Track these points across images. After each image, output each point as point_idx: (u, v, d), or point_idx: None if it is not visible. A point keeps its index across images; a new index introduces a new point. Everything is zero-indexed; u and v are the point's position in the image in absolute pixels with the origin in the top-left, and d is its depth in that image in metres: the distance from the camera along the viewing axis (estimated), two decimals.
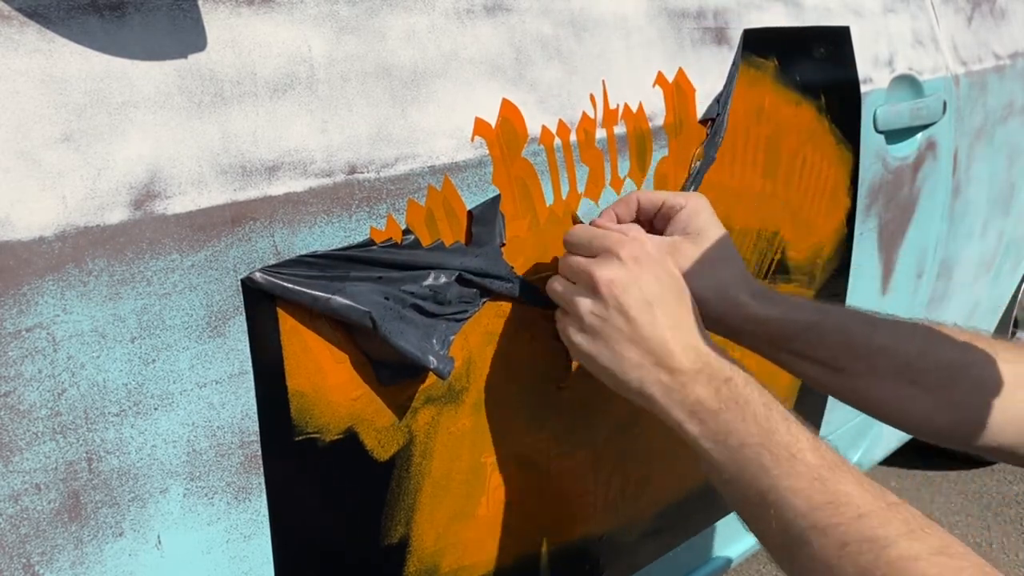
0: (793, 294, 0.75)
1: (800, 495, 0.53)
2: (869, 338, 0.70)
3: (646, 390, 0.62)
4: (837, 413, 1.26)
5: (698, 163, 0.84)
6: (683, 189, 0.83)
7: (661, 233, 0.72)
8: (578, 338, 0.65)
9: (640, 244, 0.65)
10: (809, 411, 1.17)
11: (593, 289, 0.63)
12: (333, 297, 0.57)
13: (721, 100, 0.86)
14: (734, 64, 0.88)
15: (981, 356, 0.67)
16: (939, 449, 2.05)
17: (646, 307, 0.63)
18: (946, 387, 0.67)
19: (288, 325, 0.57)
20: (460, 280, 0.65)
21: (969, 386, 0.66)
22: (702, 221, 0.71)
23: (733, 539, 1.19)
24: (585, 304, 0.64)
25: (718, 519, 1.08)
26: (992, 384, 0.65)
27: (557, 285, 0.67)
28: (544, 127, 0.71)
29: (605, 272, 0.63)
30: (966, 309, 1.54)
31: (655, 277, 0.64)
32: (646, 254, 0.65)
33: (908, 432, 0.71)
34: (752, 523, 0.57)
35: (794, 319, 0.71)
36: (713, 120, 0.85)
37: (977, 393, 0.66)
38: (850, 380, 0.71)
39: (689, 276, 0.68)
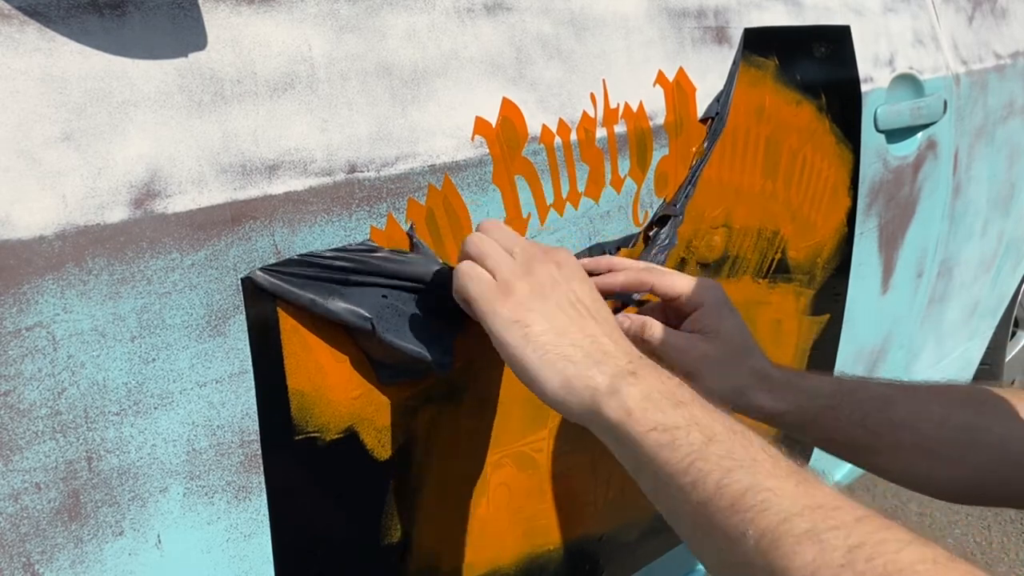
0: (812, 374, 0.73)
1: (787, 496, 0.44)
2: (887, 416, 0.69)
3: (576, 369, 0.54)
4: None
5: (696, 160, 0.84)
6: (680, 189, 0.83)
7: (676, 315, 0.72)
8: (506, 297, 0.58)
9: (573, 257, 0.63)
10: None
11: (533, 261, 0.60)
12: (331, 300, 0.57)
13: (721, 99, 0.86)
14: (734, 63, 0.88)
15: (1000, 414, 0.67)
16: None
17: (593, 301, 0.60)
18: (966, 453, 0.67)
19: (288, 324, 0.56)
20: None
21: (989, 449, 0.66)
22: (720, 320, 0.70)
23: None
24: (527, 272, 0.59)
25: None
26: (1012, 444, 0.66)
27: (487, 243, 0.61)
28: (544, 126, 0.71)
29: (558, 254, 0.62)
30: (966, 309, 1.54)
31: (593, 288, 0.62)
32: (579, 266, 0.63)
33: (932, 496, 0.71)
34: (709, 541, 0.46)
35: (807, 408, 0.70)
36: (713, 119, 0.85)
37: (997, 455, 0.66)
38: (870, 457, 0.71)
39: (704, 375, 0.68)
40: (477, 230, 0.63)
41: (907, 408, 0.69)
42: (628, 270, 0.71)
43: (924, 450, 0.68)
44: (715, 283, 0.72)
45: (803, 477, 0.46)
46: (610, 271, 0.71)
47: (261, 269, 0.54)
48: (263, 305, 0.55)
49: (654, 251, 0.81)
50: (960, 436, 0.67)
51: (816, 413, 0.70)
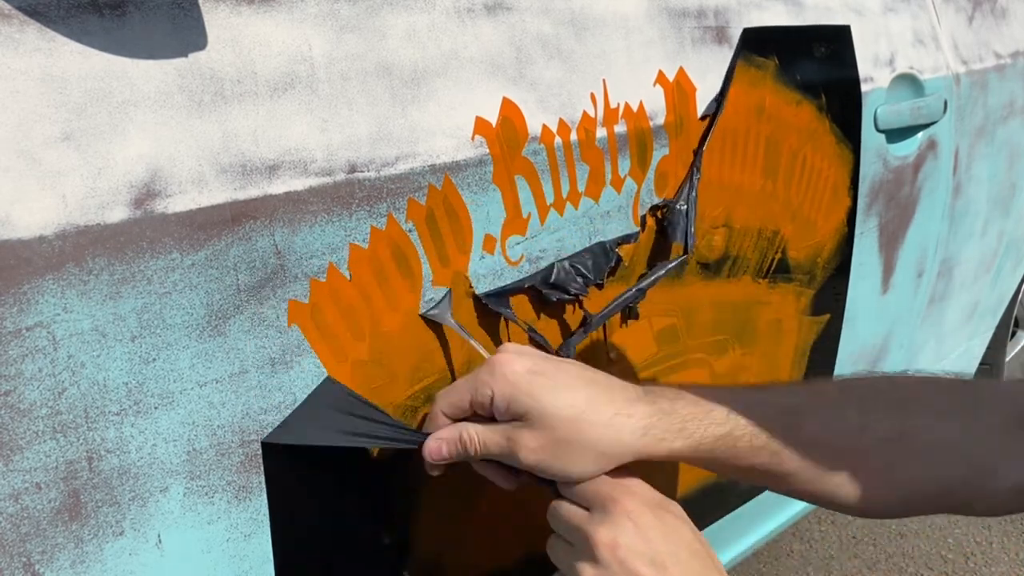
0: (705, 396, 0.61)
1: None
2: (795, 434, 0.60)
3: None
4: None
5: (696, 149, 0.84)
6: (679, 191, 0.83)
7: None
8: None
9: (636, 495, 0.56)
10: None
11: (591, 554, 0.55)
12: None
13: (718, 98, 0.86)
14: (732, 61, 0.88)
15: (929, 415, 0.60)
16: None
17: (658, 569, 0.53)
18: (889, 466, 0.59)
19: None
20: None
21: (914, 459, 0.59)
22: (522, 401, 0.57)
23: (733, 538, 1.19)
24: (587, 571, 0.55)
25: (718, 518, 1.08)
26: (940, 449, 0.58)
27: (554, 545, 0.59)
28: (544, 126, 0.71)
29: (604, 533, 0.55)
30: (966, 309, 1.54)
31: (663, 533, 0.55)
32: (646, 503, 0.56)
33: (858, 516, 0.62)
34: None
35: (699, 446, 0.60)
36: (711, 117, 0.85)
37: (923, 464, 0.59)
38: (782, 481, 0.61)
39: (551, 462, 0.57)
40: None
41: (818, 420, 0.60)
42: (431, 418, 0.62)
43: (844, 466, 0.59)
44: (503, 352, 0.60)
45: None
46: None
47: (272, 435, 0.57)
48: (281, 465, 0.57)
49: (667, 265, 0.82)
50: (882, 447, 0.59)
51: (708, 448, 0.60)
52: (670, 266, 0.81)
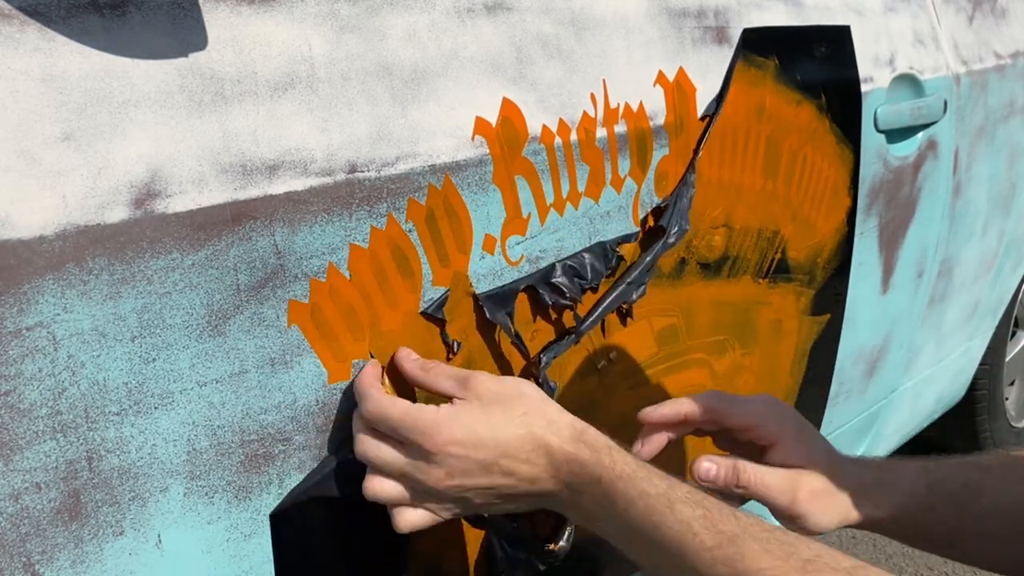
0: (898, 465, 0.69)
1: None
2: (977, 504, 0.65)
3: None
4: (837, 412, 1.26)
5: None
6: (675, 189, 0.83)
7: (744, 443, 0.68)
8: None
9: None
10: (809, 412, 1.17)
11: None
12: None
13: (718, 98, 0.86)
14: (732, 61, 0.88)
15: None
16: (940, 447, 2.05)
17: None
18: None
19: None
20: None
21: None
22: (810, 447, 0.67)
23: None
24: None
25: None
26: None
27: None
28: (545, 126, 0.71)
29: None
30: (966, 309, 1.54)
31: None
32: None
33: None
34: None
35: (905, 509, 0.66)
36: (710, 117, 0.85)
37: None
38: (960, 549, 0.68)
39: (814, 513, 0.65)
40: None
41: (997, 494, 0.65)
42: (695, 403, 0.68)
43: (1016, 535, 0.64)
44: (780, 402, 0.69)
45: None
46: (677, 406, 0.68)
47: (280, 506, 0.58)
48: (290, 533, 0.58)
49: (655, 249, 0.81)
50: None
51: (914, 513, 0.66)
52: (648, 258, 0.81)
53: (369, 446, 0.58)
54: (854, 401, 1.30)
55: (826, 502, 0.65)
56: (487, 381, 0.59)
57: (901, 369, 1.39)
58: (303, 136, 0.56)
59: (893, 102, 1.12)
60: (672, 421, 0.68)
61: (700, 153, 0.84)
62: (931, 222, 1.28)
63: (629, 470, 0.56)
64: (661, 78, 0.81)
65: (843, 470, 0.67)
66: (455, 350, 0.67)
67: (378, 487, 0.59)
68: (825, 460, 0.67)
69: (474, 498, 0.59)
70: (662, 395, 0.86)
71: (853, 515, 0.66)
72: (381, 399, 0.58)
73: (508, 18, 0.70)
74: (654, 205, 0.82)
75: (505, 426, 0.57)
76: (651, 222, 0.82)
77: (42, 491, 0.48)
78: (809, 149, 0.98)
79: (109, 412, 0.49)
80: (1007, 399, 2.01)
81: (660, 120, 0.80)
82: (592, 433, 0.59)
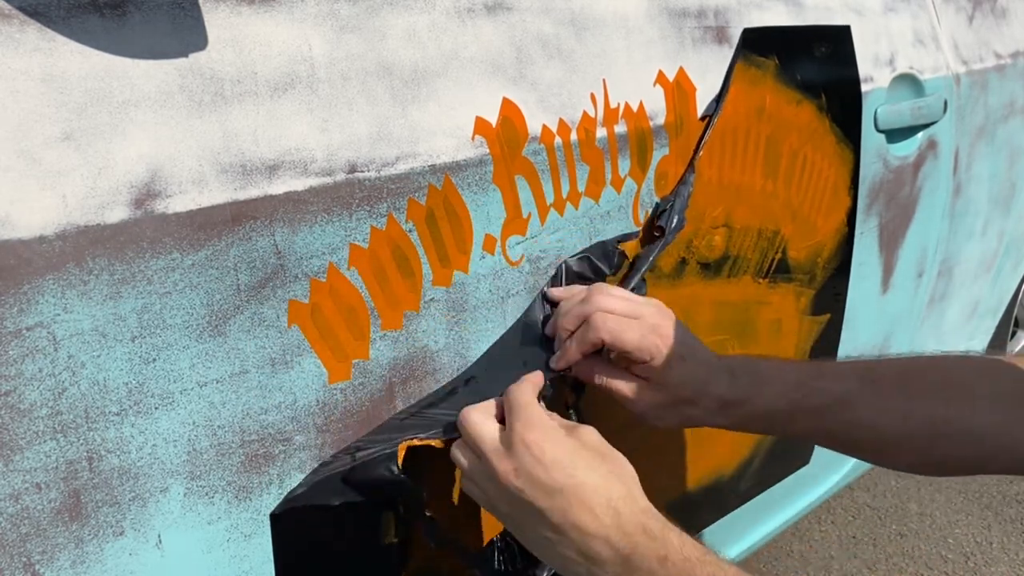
0: (773, 370, 0.71)
1: None
2: (845, 418, 0.68)
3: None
4: None
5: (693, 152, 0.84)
6: (674, 188, 0.83)
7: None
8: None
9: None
10: None
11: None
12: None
13: (718, 97, 0.86)
14: (732, 61, 0.88)
15: (971, 399, 0.66)
16: None
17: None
18: (929, 447, 0.67)
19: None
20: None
21: (953, 443, 0.66)
22: (668, 372, 0.68)
23: (733, 538, 1.19)
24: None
25: (718, 518, 1.08)
26: (976, 435, 0.65)
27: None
28: (545, 126, 0.71)
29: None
30: (966, 309, 1.54)
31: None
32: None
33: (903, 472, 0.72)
34: None
35: (763, 424, 0.71)
36: (709, 117, 0.85)
37: (963, 443, 0.66)
38: (836, 448, 0.72)
39: (651, 418, 0.70)
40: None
41: (867, 408, 0.68)
42: (578, 336, 0.68)
43: (887, 445, 0.68)
44: (665, 324, 0.69)
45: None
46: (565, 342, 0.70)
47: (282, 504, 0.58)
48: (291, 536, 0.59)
49: (657, 248, 0.81)
50: (925, 431, 0.66)
51: (771, 424, 0.71)
52: (652, 257, 0.81)
53: (478, 414, 0.60)
54: None
55: (667, 412, 0.70)
56: (595, 433, 0.60)
57: None
58: (303, 136, 0.56)
59: (893, 102, 1.12)
60: (570, 364, 0.69)
61: (700, 152, 0.84)
62: (931, 222, 1.28)
63: (698, 553, 0.55)
64: (661, 78, 0.81)
65: (703, 390, 0.69)
66: None
67: (459, 454, 0.61)
68: (686, 385, 0.69)
69: (518, 516, 0.57)
70: None
71: (701, 422, 0.70)
72: (523, 382, 0.61)
73: (508, 18, 0.70)
74: (654, 205, 0.82)
75: (590, 472, 0.56)
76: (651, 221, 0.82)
77: (42, 491, 0.48)
78: (809, 149, 0.98)
79: (109, 412, 0.49)
80: None
81: (660, 120, 0.80)
82: (662, 517, 0.58)
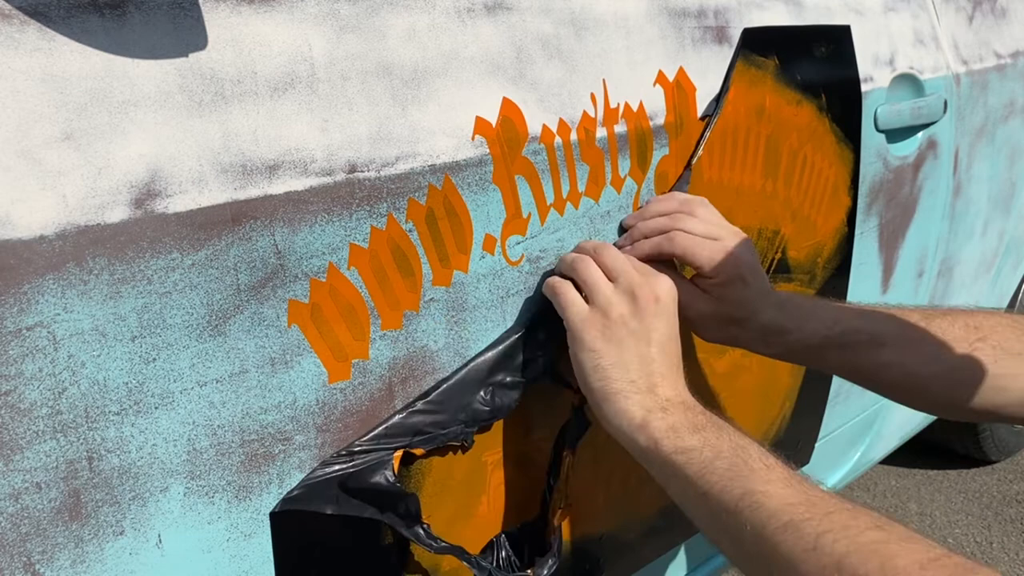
0: (820, 308, 0.78)
1: (774, 497, 0.55)
2: (874, 359, 0.74)
3: (625, 403, 0.64)
4: (837, 413, 1.26)
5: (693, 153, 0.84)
6: (676, 185, 0.83)
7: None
8: (593, 328, 0.66)
9: (674, 290, 0.69)
10: (808, 412, 1.17)
11: (633, 295, 0.67)
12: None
13: (718, 97, 0.86)
14: (732, 61, 0.88)
15: (992, 353, 0.71)
16: (939, 447, 2.05)
17: (666, 340, 0.67)
18: (950, 390, 0.72)
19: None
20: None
21: (973, 390, 0.71)
22: (729, 290, 0.75)
23: None
24: (620, 304, 0.67)
25: None
26: (999, 386, 0.71)
27: (592, 270, 0.68)
28: (545, 126, 0.71)
29: (660, 288, 0.67)
30: None
31: (674, 324, 0.68)
32: (674, 301, 0.69)
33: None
34: (723, 536, 0.58)
35: (801, 356, 0.78)
36: (710, 117, 0.85)
37: (982, 394, 0.71)
38: (869, 387, 0.78)
39: (699, 330, 0.78)
40: (588, 251, 0.70)
41: (895, 350, 0.74)
42: (654, 242, 0.75)
43: (911, 386, 0.75)
44: (739, 250, 0.75)
45: (792, 480, 0.56)
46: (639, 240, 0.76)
47: (283, 502, 0.58)
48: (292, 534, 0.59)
49: None
50: (946, 375, 0.72)
51: (807, 356, 0.78)
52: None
53: (591, 266, 0.69)
54: (854, 401, 1.30)
55: (716, 326, 0.77)
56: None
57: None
58: (303, 136, 0.57)
59: (893, 102, 1.12)
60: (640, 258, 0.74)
61: (700, 152, 0.84)
62: (931, 222, 1.28)
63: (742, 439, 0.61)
64: (661, 78, 0.81)
65: (757, 314, 0.76)
66: None
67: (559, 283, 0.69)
68: (740, 307, 0.76)
69: (612, 350, 0.65)
70: None
71: (744, 345, 0.78)
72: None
73: (508, 18, 0.70)
74: None
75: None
76: None
77: (42, 491, 0.48)
78: (809, 149, 0.98)
79: (109, 412, 0.49)
80: None
81: (660, 120, 0.80)
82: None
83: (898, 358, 0.74)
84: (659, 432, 0.62)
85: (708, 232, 0.75)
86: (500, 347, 0.70)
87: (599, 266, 0.69)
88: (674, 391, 0.66)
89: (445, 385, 0.67)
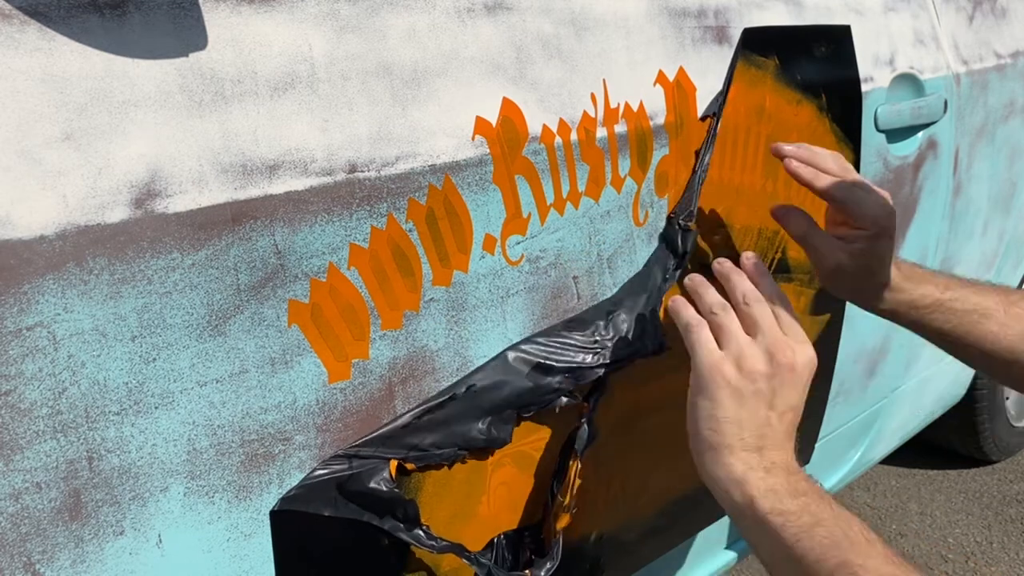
0: (929, 278, 0.84)
1: (872, 572, 0.54)
2: (975, 328, 0.80)
3: (728, 456, 0.64)
4: (837, 413, 1.26)
5: (697, 161, 0.84)
6: (682, 197, 0.83)
7: (843, 221, 0.80)
8: (719, 376, 0.65)
9: (814, 363, 0.68)
10: (809, 412, 1.16)
11: (771, 356, 0.65)
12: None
13: (718, 98, 0.86)
14: (732, 61, 0.88)
15: None
16: (940, 448, 2.05)
17: (788, 410, 0.66)
18: None
19: None
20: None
21: None
22: (873, 247, 0.79)
23: (735, 537, 1.19)
24: (753, 359, 0.65)
25: (720, 516, 1.08)
26: None
27: (730, 317, 0.67)
28: (545, 126, 0.71)
29: (799, 357, 0.66)
30: None
31: (802, 396, 0.67)
32: (811, 374, 0.68)
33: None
34: None
35: (911, 317, 0.83)
36: (711, 116, 0.85)
37: None
38: (961, 357, 0.85)
39: (829, 282, 0.83)
40: (735, 288, 0.70)
41: (996, 323, 0.79)
42: (835, 181, 0.79)
43: (1000, 359, 0.80)
44: (891, 208, 0.80)
45: (894, 558, 0.56)
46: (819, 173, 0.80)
47: (282, 500, 0.58)
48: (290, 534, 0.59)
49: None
50: None
51: (915, 317, 0.82)
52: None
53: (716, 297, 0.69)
54: (854, 401, 1.30)
55: (847, 282, 0.81)
56: None
57: (901, 369, 1.39)
58: (303, 136, 0.57)
59: (893, 102, 1.12)
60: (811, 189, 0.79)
61: (713, 147, 0.84)
62: (931, 222, 1.28)
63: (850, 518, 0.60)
64: (661, 78, 0.81)
65: (883, 275, 0.80)
66: None
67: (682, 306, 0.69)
68: (877, 265, 0.80)
69: (744, 398, 0.64)
70: (664, 395, 0.86)
71: (865, 302, 0.83)
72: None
73: (508, 18, 0.70)
74: (654, 205, 0.82)
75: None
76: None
77: (42, 491, 0.48)
78: None
79: (109, 412, 0.49)
80: (1007, 399, 2.01)
81: (660, 120, 0.80)
82: None
83: (1001, 330, 0.78)
84: (758, 491, 0.61)
85: (876, 184, 0.80)
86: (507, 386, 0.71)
87: (739, 312, 0.68)
88: (780, 456, 0.64)
89: (449, 406, 0.67)
